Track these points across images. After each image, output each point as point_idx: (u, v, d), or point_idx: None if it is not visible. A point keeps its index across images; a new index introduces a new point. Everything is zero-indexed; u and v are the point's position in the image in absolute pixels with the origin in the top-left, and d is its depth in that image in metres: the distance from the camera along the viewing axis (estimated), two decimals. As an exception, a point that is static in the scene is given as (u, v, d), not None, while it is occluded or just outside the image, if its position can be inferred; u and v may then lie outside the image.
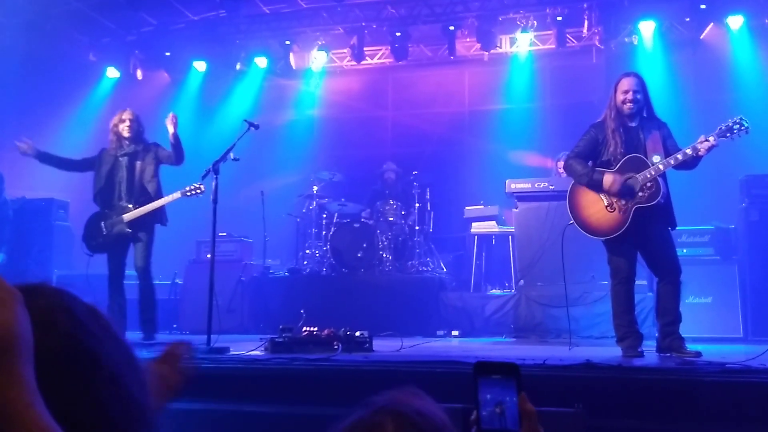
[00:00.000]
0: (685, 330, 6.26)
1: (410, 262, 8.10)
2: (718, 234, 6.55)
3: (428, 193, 8.56)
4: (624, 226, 4.50)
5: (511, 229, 7.42)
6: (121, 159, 5.80)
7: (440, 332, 7.07)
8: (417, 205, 8.36)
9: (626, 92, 4.53)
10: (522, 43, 9.72)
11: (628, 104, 4.52)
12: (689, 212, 6.91)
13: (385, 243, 7.89)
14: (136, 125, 5.87)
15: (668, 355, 4.46)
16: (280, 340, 4.75)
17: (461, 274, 8.41)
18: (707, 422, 3.22)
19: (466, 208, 8.34)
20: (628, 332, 4.58)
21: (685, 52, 9.10)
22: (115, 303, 5.61)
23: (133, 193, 5.74)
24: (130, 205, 5.72)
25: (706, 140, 4.33)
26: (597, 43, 9.59)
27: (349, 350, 4.73)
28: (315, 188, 8.34)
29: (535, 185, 7.03)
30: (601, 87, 9.66)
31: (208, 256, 5.49)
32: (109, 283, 5.68)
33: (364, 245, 7.71)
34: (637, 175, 4.48)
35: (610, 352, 4.78)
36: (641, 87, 4.48)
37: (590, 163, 4.68)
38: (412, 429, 1.04)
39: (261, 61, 10.19)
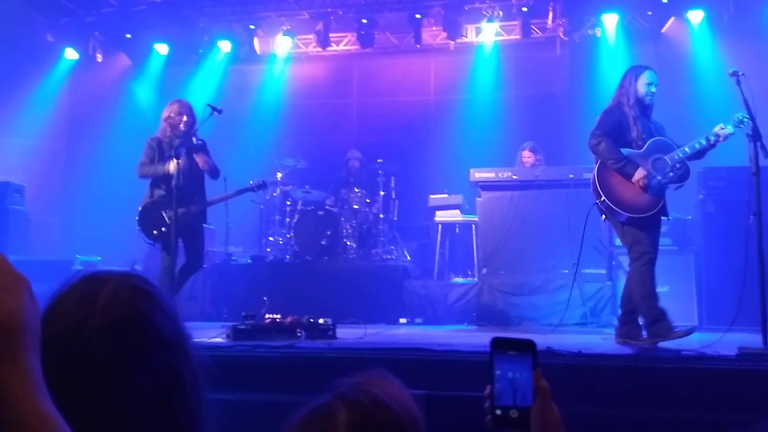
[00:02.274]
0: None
1: (374, 250, 8.10)
2: (675, 225, 6.69)
3: (393, 182, 8.56)
4: (657, 206, 4.58)
5: (475, 218, 7.47)
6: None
7: (403, 320, 7.10)
8: (382, 193, 8.35)
9: (650, 84, 4.68)
10: (487, 33, 9.76)
11: (650, 96, 4.69)
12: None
13: (350, 231, 7.87)
14: (192, 120, 5.74)
15: (626, 342, 4.54)
16: (243, 327, 4.71)
17: (425, 262, 8.45)
18: (664, 408, 3.30)
19: (431, 196, 8.37)
20: (661, 311, 4.51)
21: (647, 45, 9.24)
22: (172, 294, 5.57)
23: (195, 186, 5.70)
24: (195, 197, 5.69)
25: (723, 129, 4.49)
26: (561, 34, 9.68)
27: (313, 337, 4.71)
28: (279, 175, 8.26)
29: (499, 175, 7.08)
30: (565, 78, 9.79)
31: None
32: (167, 274, 5.53)
33: (328, 233, 7.68)
34: (666, 157, 4.59)
35: (571, 339, 4.86)
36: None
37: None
38: (363, 420, 1.03)
39: (225, 45, 10.04)
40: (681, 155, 4.59)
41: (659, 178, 4.57)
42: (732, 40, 8.62)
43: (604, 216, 4.81)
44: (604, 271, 6.72)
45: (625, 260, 6.62)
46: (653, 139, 4.65)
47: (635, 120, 4.65)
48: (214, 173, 5.77)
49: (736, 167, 5.24)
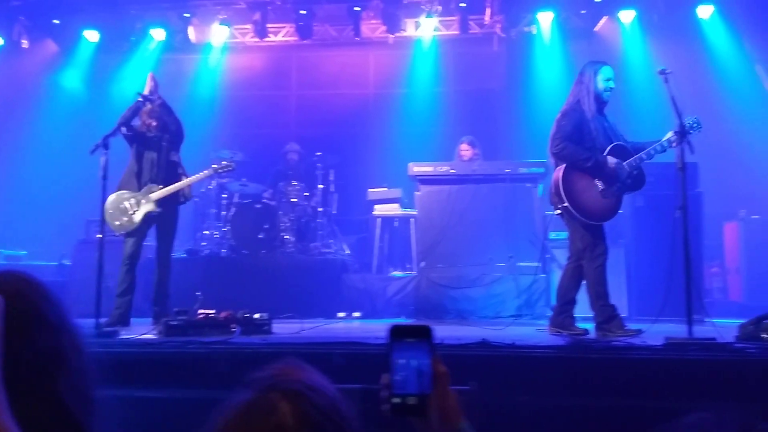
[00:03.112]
0: (577, 310, 6.55)
1: (313, 244, 8.03)
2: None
3: (332, 175, 8.50)
4: (616, 212, 4.69)
5: (414, 212, 7.49)
6: (149, 137, 5.59)
7: (341, 314, 7.06)
8: (320, 186, 8.28)
9: (608, 80, 4.70)
10: (426, 28, 9.79)
11: (608, 92, 4.71)
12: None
13: (288, 224, 7.78)
14: (165, 109, 5.62)
15: (559, 332, 4.63)
16: (175, 323, 4.58)
17: (364, 256, 8.43)
18: (595, 396, 3.37)
19: (370, 190, 8.35)
20: (614, 310, 4.67)
21: (581, 43, 9.45)
22: (130, 285, 5.54)
23: (160, 172, 5.55)
24: (159, 185, 5.55)
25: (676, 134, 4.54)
26: (498, 31, 9.81)
27: (248, 333, 4.63)
28: (214, 166, 8.06)
29: (437, 169, 7.12)
30: (502, 74, 9.93)
31: (99, 236, 5.20)
32: (128, 263, 5.54)
33: (266, 226, 7.57)
34: (624, 163, 4.64)
35: (506, 331, 4.92)
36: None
37: None
38: (308, 407, 1.00)
39: (158, 34, 9.74)
40: (638, 161, 4.66)
41: (619, 184, 4.66)
42: (661, 40, 8.91)
43: (558, 211, 4.84)
44: (538, 264, 6.84)
45: (558, 253, 6.79)
46: (613, 144, 4.70)
47: (593, 119, 4.68)
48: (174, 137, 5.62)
49: (664, 163, 5.39)
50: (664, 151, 4.69)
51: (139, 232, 5.62)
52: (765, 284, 7.50)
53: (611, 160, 4.64)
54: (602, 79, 4.72)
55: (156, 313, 5.52)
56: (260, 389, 1.04)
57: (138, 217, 5.53)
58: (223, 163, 5.89)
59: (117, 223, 5.56)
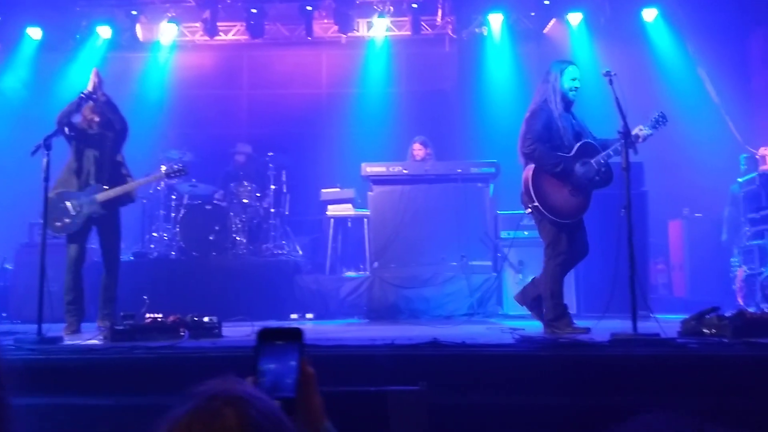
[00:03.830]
0: (525, 308, 6.64)
1: (265, 245, 7.95)
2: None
3: (284, 175, 8.43)
4: (585, 210, 4.72)
5: (367, 212, 7.48)
6: (91, 135, 5.35)
7: (294, 315, 7.01)
8: (272, 187, 8.21)
9: (574, 80, 4.74)
10: (378, 28, 9.80)
11: (573, 92, 4.74)
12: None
13: (239, 225, 7.68)
14: (109, 106, 5.38)
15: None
16: (121, 327, 4.47)
17: (317, 256, 8.39)
18: (544, 393, 3.41)
19: (323, 190, 8.31)
20: (564, 309, 4.76)
21: (530, 44, 9.60)
22: (79, 291, 5.34)
23: (104, 171, 5.33)
24: (105, 186, 5.32)
25: (642, 130, 4.63)
26: (450, 32, 9.88)
27: (197, 337, 4.54)
28: (163, 168, 7.92)
29: (390, 169, 7.13)
30: (454, 75, 10.00)
31: (42, 238, 5.02)
32: (74, 269, 5.34)
33: (217, 228, 7.47)
34: (592, 161, 4.68)
35: (457, 330, 4.95)
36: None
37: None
38: (252, 410, 0.99)
39: (104, 31, 9.50)
40: (605, 158, 4.71)
41: (586, 182, 4.71)
42: (608, 42, 9.10)
43: (528, 210, 4.87)
44: (490, 263, 6.92)
45: (509, 252, 6.87)
46: (581, 142, 4.74)
47: (560, 118, 4.71)
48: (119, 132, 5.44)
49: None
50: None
51: (81, 234, 5.42)
52: (707, 280, 7.75)
53: (579, 170, 4.69)
54: (568, 79, 4.76)
55: (102, 317, 5.37)
56: (202, 398, 1.03)
57: (81, 218, 5.33)
58: (174, 167, 5.71)
59: (58, 224, 5.32)
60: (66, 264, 5.43)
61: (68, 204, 5.32)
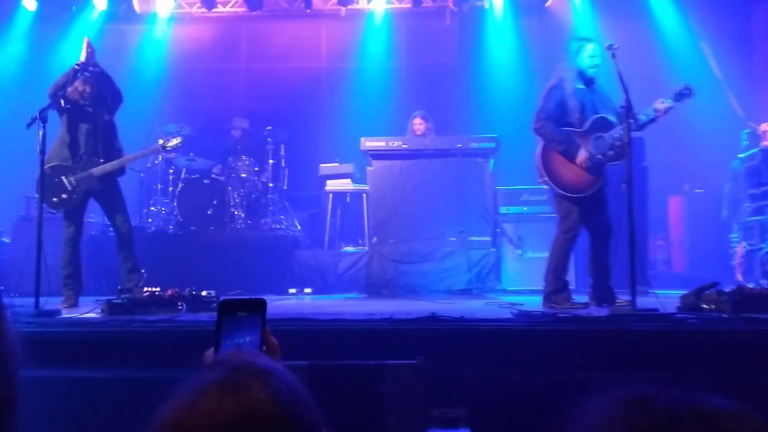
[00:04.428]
0: (524, 282, 6.66)
1: (263, 220, 7.92)
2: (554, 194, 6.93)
3: (283, 150, 8.38)
4: (598, 185, 4.69)
5: (366, 187, 7.44)
6: (83, 106, 5.22)
7: (293, 290, 7.00)
8: (271, 161, 8.16)
9: (593, 57, 4.69)
10: (379, 1, 9.67)
11: (593, 69, 4.70)
12: (530, 172, 7.27)
13: (237, 200, 7.65)
14: (105, 77, 5.26)
15: (604, 306, 4.63)
16: (119, 301, 4.46)
17: (315, 231, 8.37)
18: (542, 368, 3.41)
19: (321, 165, 8.26)
20: (565, 284, 4.80)
21: (532, 18, 9.48)
22: (77, 265, 5.30)
23: (98, 145, 5.23)
24: (101, 159, 5.23)
25: (663, 103, 4.59)
26: (451, 5, 9.76)
27: (195, 310, 4.54)
28: (161, 142, 7.86)
29: (389, 144, 7.09)
30: (455, 49, 9.89)
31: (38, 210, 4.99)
32: (72, 243, 5.25)
33: (215, 202, 7.43)
34: (605, 135, 4.63)
35: (457, 305, 4.94)
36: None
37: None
38: (279, 383, 0.97)
39: (100, 2, 9.36)
40: (620, 134, 4.65)
41: (599, 156, 4.67)
42: (610, 15, 8.98)
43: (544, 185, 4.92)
44: (489, 239, 6.90)
45: (509, 227, 6.85)
46: (594, 117, 4.71)
47: (576, 95, 4.69)
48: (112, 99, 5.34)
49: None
50: (652, 119, 4.68)
51: (79, 210, 5.35)
52: (707, 256, 7.74)
53: (582, 156, 4.65)
54: (587, 56, 4.73)
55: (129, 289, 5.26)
56: (224, 370, 1.00)
57: (79, 194, 5.26)
58: (172, 140, 5.62)
59: (54, 199, 5.22)
60: (63, 238, 5.37)
61: (64, 179, 5.24)
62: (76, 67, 5.15)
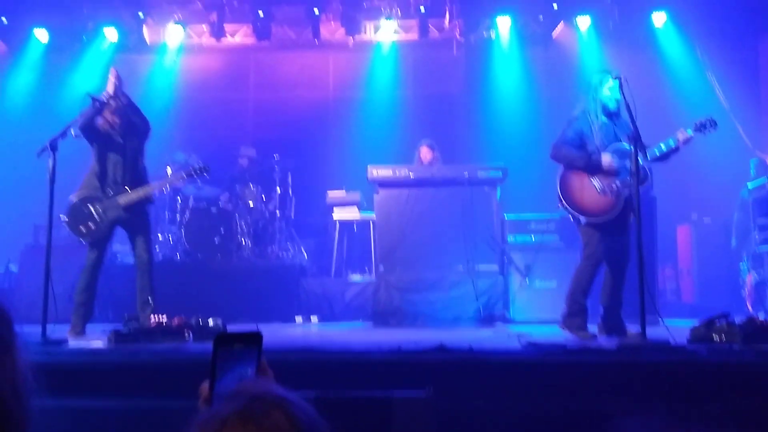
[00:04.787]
0: (532, 312, 6.61)
1: (270, 248, 7.93)
2: (562, 222, 6.92)
3: (290, 178, 8.42)
4: (617, 210, 4.70)
5: (373, 215, 7.44)
6: (114, 138, 5.28)
7: (299, 318, 6.98)
8: (278, 189, 8.19)
9: (613, 90, 4.72)
10: (386, 31, 9.78)
11: (615, 102, 4.74)
12: (538, 200, 7.28)
13: (244, 228, 7.66)
14: (132, 109, 5.33)
15: (611, 336, 4.62)
16: (125, 330, 4.45)
17: (322, 259, 8.36)
18: (552, 399, 3.37)
19: (328, 193, 8.28)
20: (580, 309, 4.79)
21: (539, 48, 9.56)
22: (91, 293, 5.28)
23: (127, 175, 5.27)
24: (127, 189, 5.26)
25: (684, 133, 4.66)
26: (458, 35, 9.85)
27: (201, 339, 4.52)
28: (169, 170, 7.92)
29: (397, 172, 7.09)
30: (461, 79, 9.97)
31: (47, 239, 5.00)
32: (91, 271, 5.25)
33: (222, 230, 7.45)
34: (625, 161, 4.67)
35: (465, 335, 4.91)
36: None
37: None
38: (298, 412, 0.99)
39: (111, 33, 9.51)
40: (641, 161, 4.68)
41: (619, 182, 4.68)
42: (616, 46, 9.05)
43: (571, 217, 4.93)
44: (496, 267, 6.87)
45: (516, 256, 6.83)
46: (613, 145, 4.76)
47: (600, 128, 4.76)
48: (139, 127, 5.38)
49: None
50: (674, 149, 4.72)
51: (104, 239, 5.35)
52: (716, 285, 7.67)
53: (606, 159, 4.68)
54: (607, 88, 4.78)
55: (136, 318, 5.21)
56: (245, 400, 1.01)
57: (106, 224, 5.27)
58: (196, 166, 5.63)
59: (82, 229, 5.26)
60: (84, 265, 5.35)
61: (92, 209, 5.27)
62: (102, 98, 5.17)
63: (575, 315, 4.77)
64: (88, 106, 5.16)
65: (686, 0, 8.79)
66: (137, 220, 5.36)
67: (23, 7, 9.09)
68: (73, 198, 5.29)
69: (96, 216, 5.25)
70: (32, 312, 5.96)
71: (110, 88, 5.21)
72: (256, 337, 1.14)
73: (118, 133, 5.30)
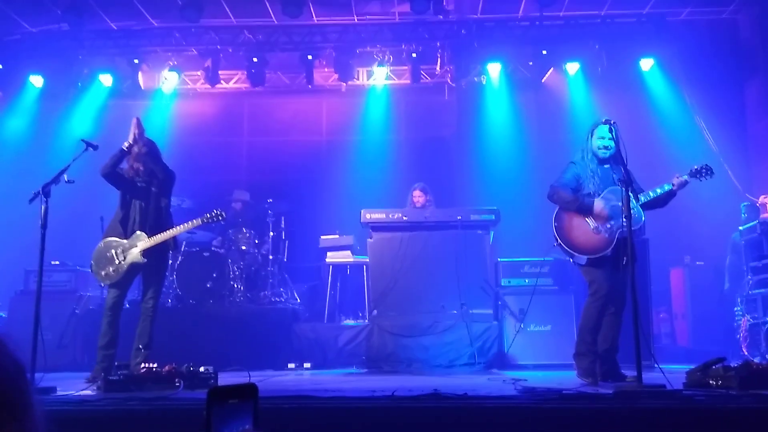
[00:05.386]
0: (527, 356, 6.57)
1: (263, 293, 7.88)
2: (556, 265, 6.94)
3: (283, 222, 8.41)
4: (609, 247, 4.73)
5: (366, 259, 7.43)
6: (138, 184, 5.38)
7: (292, 365, 6.89)
8: (271, 233, 8.18)
9: (601, 138, 4.85)
10: (378, 77, 9.92)
11: (603, 150, 4.84)
12: (531, 244, 7.29)
13: (237, 273, 7.62)
14: (151, 156, 5.41)
15: (607, 382, 4.57)
16: (115, 378, 4.37)
17: (315, 304, 8.30)
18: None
19: (322, 237, 8.28)
20: (589, 350, 4.77)
21: (528, 93, 9.72)
22: (113, 335, 5.30)
23: (147, 220, 5.33)
24: (144, 233, 5.31)
25: (679, 178, 4.75)
26: (449, 80, 10.01)
27: (192, 387, 4.44)
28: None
29: (390, 216, 7.11)
30: (453, 123, 10.09)
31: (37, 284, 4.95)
32: (110, 313, 5.30)
33: (214, 275, 7.41)
34: (620, 203, 4.70)
35: (458, 380, 4.85)
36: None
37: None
38: None
39: (106, 79, 9.61)
40: (634, 204, 4.74)
41: (613, 222, 4.75)
42: (605, 91, 9.21)
43: (570, 259, 4.95)
44: (490, 311, 6.84)
45: (510, 300, 6.81)
46: (609, 188, 4.86)
47: (594, 173, 4.88)
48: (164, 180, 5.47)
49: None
50: (669, 193, 4.82)
51: (123, 283, 5.38)
52: (711, 329, 7.65)
53: (598, 206, 4.76)
54: (596, 138, 4.90)
55: (134, 365, 5.13)
56: None
57: (124, 266, 5.30)
58: (214, 212, 5.68)
59: (103, 273, 5.34)
60: (104, 308, 5.41)
61: (113, 252, 5.33)
62: (123, 148, 5.30)
63: (583, 355, 4.80)
64: (115, 153, 5.28)
65: (673, 46, 8.97)
66: (155, 265, 5.41)
67: (19, 53, 9.19)
68: (100, 243, 5.39)
69: (116, 260, 5.31)
70: (22, 359, 5.87)
71: (131, 138, 5.34)
72: (251, 389, 1.11)
73: (142, 179, 5.40)
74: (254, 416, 1.11)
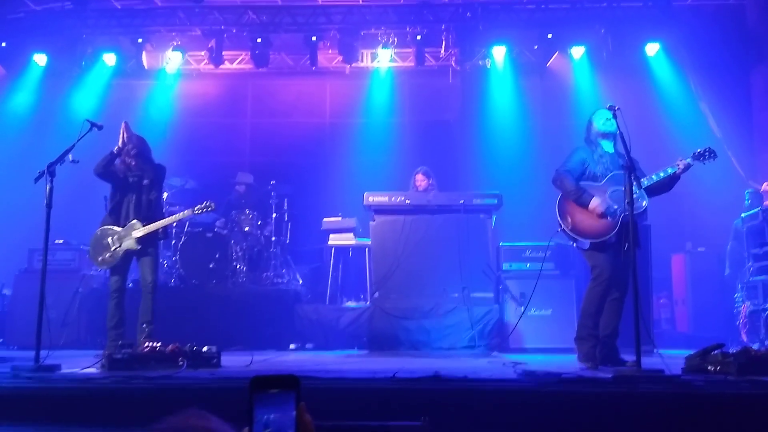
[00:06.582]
0: (527, 340, 6.60)
1: (265, 274, 7.91)
2: (558, 250, 6.94)
3: (286, 204, 8.43)
4: (613, 231, 4.75)
5: (368, 242, 7.45)
6: (130, 179, 5.65)
7: (293, 345, 6.95)
8: (274, 215, 8.19)
9: (606, 120, 4.87)
10: (383, 59, 9.89)
11: (610, 133, 4.88)
12: (533, 229, 7.30)
13: (240, 254, 7.65)
14: (141, 156, 5.65)
15: (606, 366, 4.61)
16: (119, 356, 4.42)
17: (317, 286, 8.34)
18: (546, 430, 3.36)
19: (324, 219, 8.29)
20: (590, 335, 4.82)
21: (533, 77, 9.68)
22: (120, 317, 5.55)
23: (140, 211, 5.61)
24: (139, 222, 5.56)
25: (683, 161, 4.78)
26: (453, 63, 9.96)
27: (195, 366, 4.49)
28: (165, 195, 7.91)
29: (392, 199, 7.12)
30: (457, 106, 10.06)
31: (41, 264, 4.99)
32: (116, 296, 5.58)
33: (217, 256, 7.44)
34: (622, 188, 4.72)
35: (460, 363, 4.89)
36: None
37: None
38: None
39: (109, 58, 9.59)
40: (636, 189, 4.74)
41: (616, 207, 4.78)
42: (610, 76, 9.17)
43: (573, 243, 4.98)
44: (491, 295, 6.87)
45: (511, 284, 6.83)
46: (611, 173, 4.89)
47: (600, 157, 4.91)
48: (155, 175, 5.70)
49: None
50: (673, 177, 4.83)
51: (121, 267, 5.63)
52: (711, 315, 7.68)
53: (594, 203, 4.79)
54: (600, 122, 4.94)
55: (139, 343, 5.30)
56: None
57: (120, 252, 5.53)
58: (205, 204, 5.87)
59: (100, 258, 5.59)
60: (109, 291, 5.65)
61: (109, 240, 5.56)
62: (114, 152, 5.53)
63: (584, 340, 4.85)
64: (105, 155, 5.53)
65: (679, 31, 8.92)
66: (148, 251, 5.63)
67: (23, 31, 9.16)
68: (97, 230, 5.63)
69: (112, 246, 5.55)
70: (25, 337, 5.94)
71: (120, 142, 5.57)
72: (293, 380, 1.13)
73: (133, 174, 5.64)
74: (296, 406, 1.11)
